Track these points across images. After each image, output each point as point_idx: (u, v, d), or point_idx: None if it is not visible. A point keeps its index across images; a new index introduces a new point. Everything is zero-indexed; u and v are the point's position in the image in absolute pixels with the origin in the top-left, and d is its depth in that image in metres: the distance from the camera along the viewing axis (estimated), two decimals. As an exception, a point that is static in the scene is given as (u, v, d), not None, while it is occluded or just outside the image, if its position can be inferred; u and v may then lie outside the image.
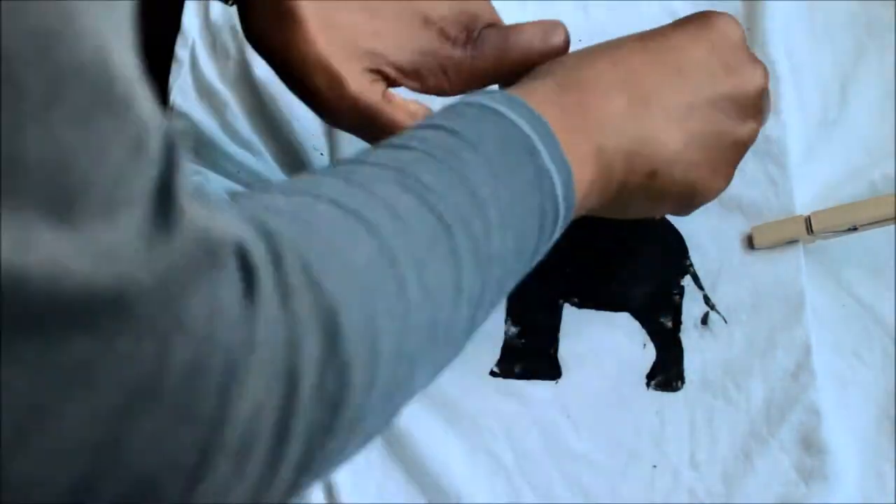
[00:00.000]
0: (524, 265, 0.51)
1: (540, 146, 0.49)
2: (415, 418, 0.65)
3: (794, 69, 0.73)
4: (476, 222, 0.45)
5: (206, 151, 0.74)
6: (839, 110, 0.72)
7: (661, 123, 0.55)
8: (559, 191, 0.50)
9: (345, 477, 0.65)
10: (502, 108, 0.50)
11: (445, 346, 0.45)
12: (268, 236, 0.36)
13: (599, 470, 0.64)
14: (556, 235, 0.52)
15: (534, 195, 0.49)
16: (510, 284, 0.51)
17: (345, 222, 0.40)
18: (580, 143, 0.52)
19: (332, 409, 0.36)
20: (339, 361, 0.36)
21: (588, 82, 0.55)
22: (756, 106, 0.58)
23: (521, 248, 0.49)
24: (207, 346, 0.32)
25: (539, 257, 0.52)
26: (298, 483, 0.37)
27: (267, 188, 0.42)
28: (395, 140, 0.48)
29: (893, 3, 0.74)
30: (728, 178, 0.59)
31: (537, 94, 0.54)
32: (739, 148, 0.58)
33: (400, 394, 0.43)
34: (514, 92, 0.54)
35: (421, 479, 0.64)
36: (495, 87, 0.62)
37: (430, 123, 0.49)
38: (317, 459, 0.37)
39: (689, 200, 0.59)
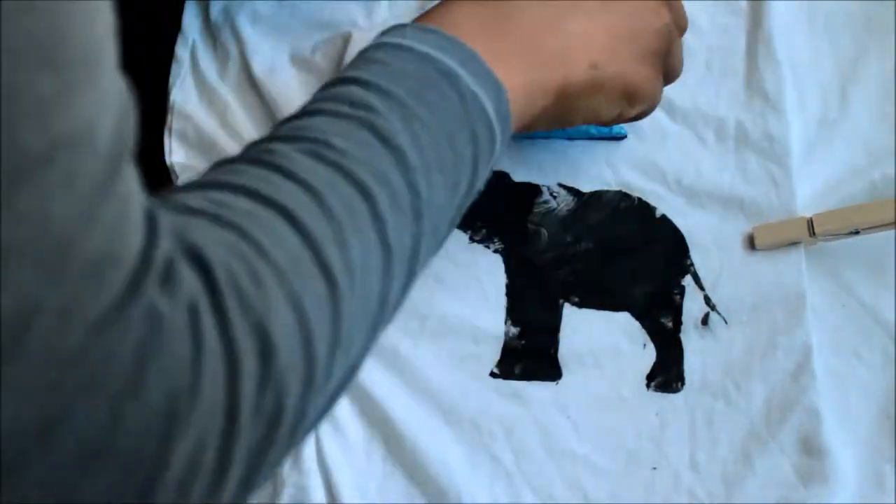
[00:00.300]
0: (463, 197, 0.51)
1: (459, 70, 0.50)
2: (415, 419, 0.66)
3: (795, 69, 0.73)
4: (396, 176, 0.45)
5: (206, 151, 0.74)
6: (839, 110, 0.72)
7: (585, 22, 0.57)
8: (490, 109, 0.50)
9: (346, 477, 0.65)
10: (412, 44, 0.50)
11: (381, 313, 0.46)
12: (199, 261, 0.37)
13: (599, 471, 0.64)
14: (498, 153, 0.53)
15: (462, 123, 0.49)
16: (454, 218, 0.51)
17: (265, 218, 0.40)
18: (510, 48, 0.53)
19: (271, 426, 0.37)
20: (275, 380, 0.37)
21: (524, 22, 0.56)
22: (663, 3, 0.60)
23: (455, 181, 0.49)
24: (156, 405, 0.34)
25: (482, 180, 0.53)
26: (243, 495, 0.38)
27: (186, 186, 0.43)
28: (304, 107, 0.48)
29: (893, 3, 0.74)
30: (657, 69, 0.61)
31: (453, 10, 0.55)
32: (660, 36, 0.60)
33: (340, 381, 0.43)
34: (427, 18, 0.55)
35: (421, 479, 0.65)
36: None
37: (340, 78, 0.49)
38: (259, 473, 0.38)
39: (631, 94, 0.60)
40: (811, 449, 0.63)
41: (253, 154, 0.44)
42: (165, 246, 0.36)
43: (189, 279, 0.36)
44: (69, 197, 0.31)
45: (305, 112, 0.47)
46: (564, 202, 0.71)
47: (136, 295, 0.33)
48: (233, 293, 0.37)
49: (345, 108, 0.46)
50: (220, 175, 0.43)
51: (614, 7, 0.58)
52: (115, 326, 0.33)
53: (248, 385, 0.36)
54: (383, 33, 0.53)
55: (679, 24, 0.62)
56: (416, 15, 0.76)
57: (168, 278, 0.35)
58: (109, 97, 0.34)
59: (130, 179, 0.35)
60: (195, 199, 0.40)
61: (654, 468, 0.64)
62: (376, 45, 0.51)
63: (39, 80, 0.30)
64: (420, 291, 0.70)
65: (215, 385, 0.35)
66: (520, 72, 0.53)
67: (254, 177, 0.42)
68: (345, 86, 0.48)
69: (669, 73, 0.63)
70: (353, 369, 0.44)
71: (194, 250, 0.37)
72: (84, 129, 0.32)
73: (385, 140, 0.46)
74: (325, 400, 0.42)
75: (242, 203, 0.40)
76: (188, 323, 0.35)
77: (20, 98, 0.30)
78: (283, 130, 0.46)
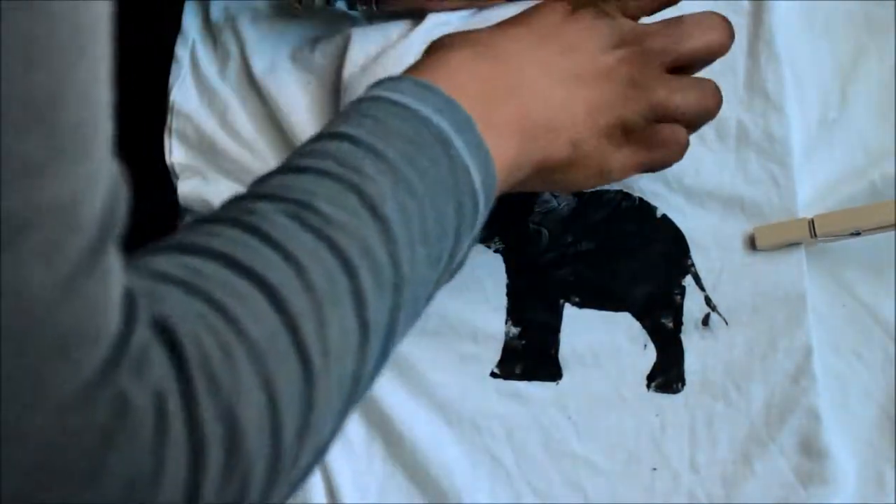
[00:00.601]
0: (442, 272, 0.49)
1: (454, 138, 0.48)
2: (416, 419, 0.66)
3: (794, 69, 0.73)
4: (379, 248, 0.43)
5: (206, 151, 0.74)
6: (839, 110, 0.72)
7: (568, 91, 0.55)
8: (477, 181, 0.48)
9: (346, 478, 0.65)
10: (409, 101, 0.48)
11: (354, 393, 0.43)
12: (168, 337, 0.36)
13: (599, 472, 0.64)
14: (480, 224, 0.51)
15: (449, 194, 0.47)
16: (431, 294, 0.49)
17: (243, 290, 0.38)
18: (504, 112, 0.52)
19: None
20: (241, 470, 0.36)
21: (507, 53, 0.54)
22: (647, 80, 0.58)
23: (438, 255, 0.47)
24: (114, 495, 0.32)
25: (461, 255, 0.51)
26: None
27: (160, 247, 0.41)
28: (292, 161, 0.46)
29: (893, 3, 0.73)
30: (625, 151, 0.59)
31: (452, 65, 0.53)
32: (634, 117, 0.58)
33: (307, 465, 0.41)
34: (425, 71, 0.52)
35: (422, 480, 0.65)
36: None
37: (331, 132, 0.47)
38: None
39: (606, 174, 0.58)
40: (811, 450, 0.63)
41: (234, 213, 0.42)
42: (142, 331, 0.34)
43: (159, 360, 0.35)
44: (47, 268, 0.30)
45: (292, 167, 0.45)
46: (565, 201, 0.71)
47: (107, 379, 0.32)
48: (203, 374, 0.35)
49: (334, 168, 0.44)
50: (198, 237, 0.41)
51: (588, 79, 0.56)
52: (81, 409, 0.32)
53: (212, 474, 0.35)
54: (378, 83, 0.50)
55: (671, 104, 0.59)
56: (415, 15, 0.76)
57: (141, 364, 0.34)
58: (100, 174, 0.33)
59: (113, 262, 0.34)
60: (169, 264, 0.39)
61: (654, 469, 0.64)
62: (372, 98, 0.49)
63: (30, 141, 0.29)
64: (420, 292, 0.70)
65: (177, 474, 0.34)
66: (510, 144, 0.52)
67: (232, 241, 0.40)
68: (336, 141, 0.46)
69: (653, 161, 0.61)
70: (321, 452, 0.42)
71: (164, 323, 0.36)
72: (69, 201, 0.31)
73: (372, 208, 0.43)
74: (289, 486, 0.40)
75: (219, 271, 0.39)
76: (154, 409, 0.33)
77: (6, 158, 0.29)
78: (268, 187, 0.44)
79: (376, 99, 0.49)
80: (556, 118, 0.54)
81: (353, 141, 0.46)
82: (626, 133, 0.58)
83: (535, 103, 0.53)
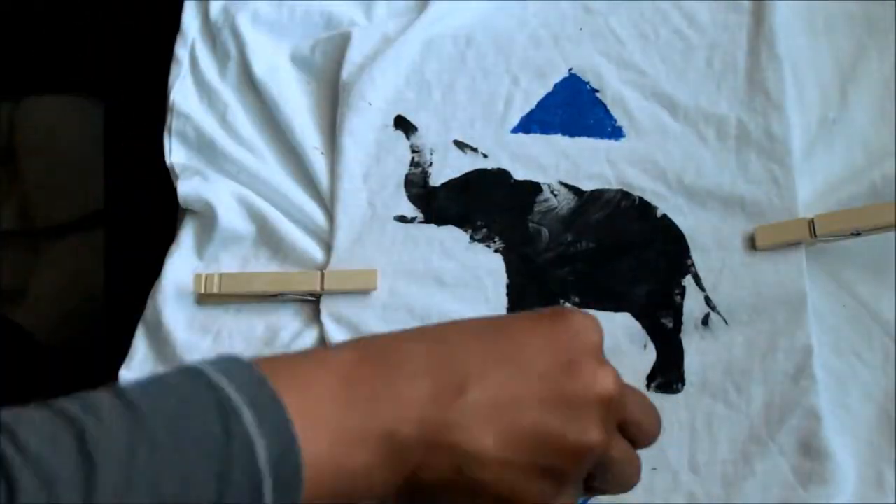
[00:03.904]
0: None
1: (244, 410, 0.42)
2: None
3: (795, 69, 0.73)
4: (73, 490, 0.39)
5: (206, 151, 0.74)
6: (839, 110, 0.72)
7: (472, 416, 0.46)
8: (262, 459, 0.42)
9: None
10: (211, 372, 0.43)
11: None
12: None
13: (599, 472, 0.64)
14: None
15: (208, 458, 0.42)
16: None
17: None
18: (361, 422, 0.45)
19: None
20: None
21: (395, 360, 0.47)
22: (600, 414, 0.48)
23: None
24: None
25: None
26: None
27: None
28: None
29: (893, 3, 0.74)
30: (560, 490, 0.48)
31: (314, 362, 0.47)
32: (575, 457, 0.47)
33: None
34: (279, 361, 0.46)
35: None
36: None
37: (117, 389, 0.43)
38: None
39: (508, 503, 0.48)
40: (811, 451, 0.63)
41: None
42: None
43: None
44: None
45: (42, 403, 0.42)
46: (565, 200, 0.71)
47: None
48: None
49: (73, 408, 0.41)
50: None
51: (530, 405, 0.47)
52: None
53: None
54: (217, 360, 0.45)
55: (615, 452, 0.49)
56: (413, 14, 0.76)
57: None
58: None
59: None
60: None
61: (654, 469, 0.64)
62: (188, 368, 0.44)
63: None
64: (420, 291, 0.70)
65: None
66: (364, 450, 0.45)
67: None
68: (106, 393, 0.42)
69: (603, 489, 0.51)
70: None
71: None
72: None
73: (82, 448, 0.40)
74: None
75: None
76: None
77: None
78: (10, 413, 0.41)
79: (191, 370, 0.44)
80: (441, 441, 0.47)
81: (127, 407, 0.42)
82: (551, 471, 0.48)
83: (409, 420, 0.46)
